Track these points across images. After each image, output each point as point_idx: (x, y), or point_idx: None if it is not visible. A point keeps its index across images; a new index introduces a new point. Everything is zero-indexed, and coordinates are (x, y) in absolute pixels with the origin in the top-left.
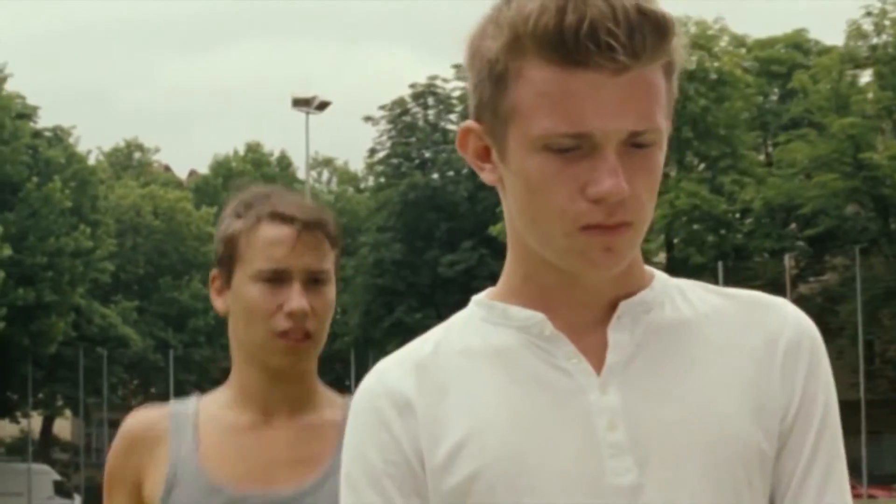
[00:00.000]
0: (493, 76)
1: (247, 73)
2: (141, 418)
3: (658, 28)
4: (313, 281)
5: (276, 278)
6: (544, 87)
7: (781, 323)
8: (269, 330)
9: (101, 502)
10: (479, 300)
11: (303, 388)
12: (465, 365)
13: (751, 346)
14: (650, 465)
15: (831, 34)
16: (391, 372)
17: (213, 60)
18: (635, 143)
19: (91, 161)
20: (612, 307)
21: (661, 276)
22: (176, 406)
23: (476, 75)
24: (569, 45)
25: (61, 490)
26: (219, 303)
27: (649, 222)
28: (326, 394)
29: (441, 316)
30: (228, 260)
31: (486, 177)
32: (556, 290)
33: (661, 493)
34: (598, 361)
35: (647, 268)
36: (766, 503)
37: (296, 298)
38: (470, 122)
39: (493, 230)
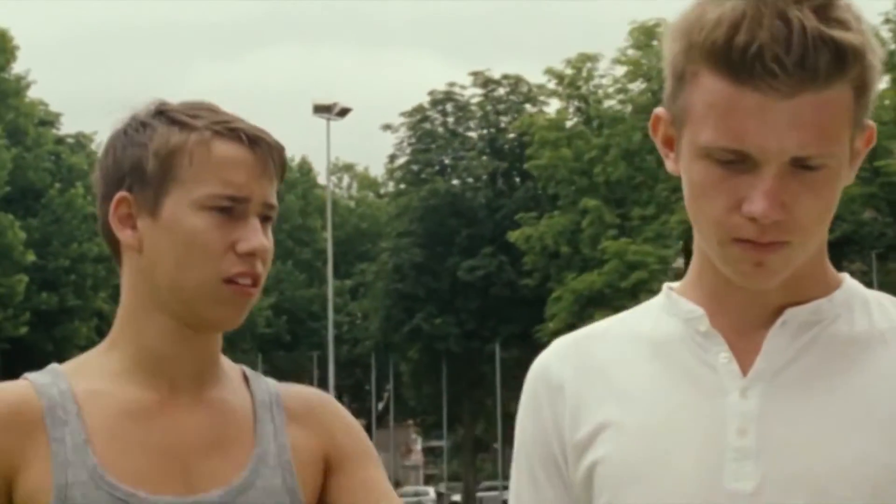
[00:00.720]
0: (675, 74)
1: (270, 78)
2: (4, 395)
3: (836, 56)
4: (265, 218)
5: (230, 209)
6: (713, 98)
7: None
8: (216, 272)
9: None
10: (666, 288)
11: (216, 353)
12: (625, 349)
13: None
14: (771, 475)
15: None
16: (551, 354)
17: (239, 66)
18: (803, 165)
19: None
20: (779, 313)
21: (849, 287)
22: (36, 378)
23: (666, 67)
24: (735, 63)
25: None
26: (127, 235)
27: (818, 239)
28: (225, 362)
29: (461, 322)
30: (159, 179)
31: (670, 166)
32: (721, 289)
33: (780, 502)
34: (750, 364)
35: (842, 276)
36: None
37: (256, 235)
38: (660, 109)
39: (512, 236)
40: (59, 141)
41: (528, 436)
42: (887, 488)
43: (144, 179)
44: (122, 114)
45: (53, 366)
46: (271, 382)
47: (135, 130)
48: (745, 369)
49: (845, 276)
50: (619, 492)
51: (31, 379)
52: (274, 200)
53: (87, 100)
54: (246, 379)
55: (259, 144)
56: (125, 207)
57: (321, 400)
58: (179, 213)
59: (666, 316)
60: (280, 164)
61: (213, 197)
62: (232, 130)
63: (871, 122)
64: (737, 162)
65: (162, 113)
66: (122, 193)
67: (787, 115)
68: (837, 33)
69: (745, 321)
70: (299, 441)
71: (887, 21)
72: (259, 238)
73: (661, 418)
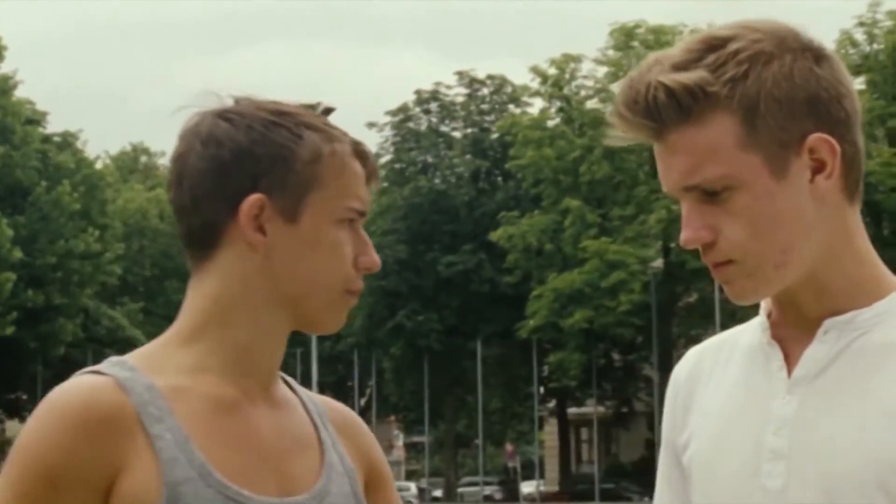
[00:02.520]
0: None
1: (256, 76)
2: (96, 393)
3: (670, 97)
4: None
5: (353, 221)
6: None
7: None
8: (344, 283)
9: None
10: (763, 303)
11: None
12: (729, 355)
13: None
14: (796, 474)
15: (826, 43)
16: (684, 358)
17: (226, 64)
18: (706, 192)
19: (98, 165)
20: (821, 323)
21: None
22: (116, 373)
23: None
24: (616, 123)
25: None
26: (257, 238)
27: (773, 253)
28: None
29: (443, 319)
30: (304, 186)
31: None
32: (778, 305)
33: (801, 501)
34: None
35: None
36: None
37: (374, 252)
38: None
39: (494, 235)
40: (46, 139)
41: (664, 435)
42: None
43: (285, 184)
44: (202, 100)
45: (121, 359)
46: (303, 388)
47: (265, 128)
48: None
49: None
50: (695, 490)
51: (111, 374)
52: None
53: (73, 98)
54: (285, 381)
55: (372, 163)
56: (257, 209)
57: (354, 416)
58: (320, 223)
59: (758, 328)
60: (374, 181)
61: (350, 210)
62: (358, 147)
63: (818, 135)
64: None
65: (289, 115)
66: (258, 196)
67: (668, 155)
68: (673, 77)
69: (797, 332)
70: (348, 453)
71: (861, 24)
72: (377, 258)
73: (726, 423)
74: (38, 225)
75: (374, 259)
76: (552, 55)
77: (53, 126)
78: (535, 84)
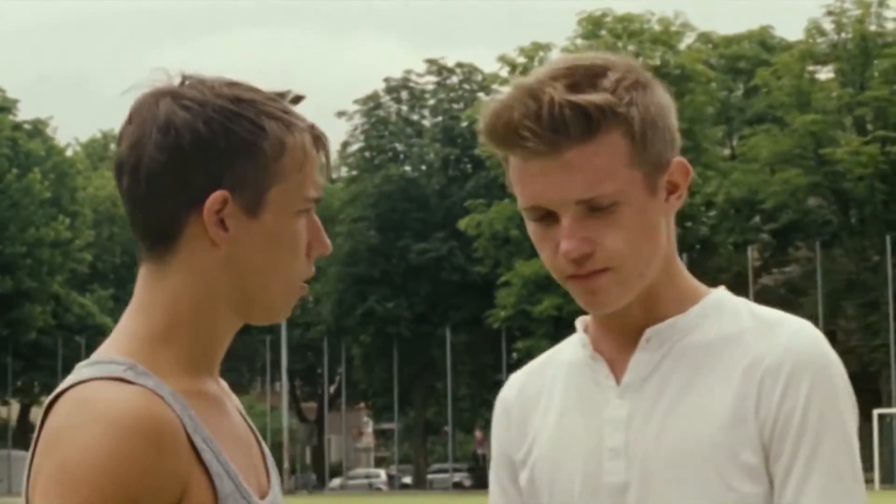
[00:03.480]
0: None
1: (227, 63)
2: (155, 407)
3: (583, 115)
4: None
5: (309, 210)
6: (514, 171)
7: (771, 346)
8: (300, 274)
9: None
10: (578, 322)
11: None
12: (553, 374)
13: (742, 366)
14: (638, 467)
15: (796, 31)
16: (511, 380)
17: (197, 51)
18: (593, 206)
19: (69, 153)
20: (643, 332)
21: (710, 301)
22: (145, 381)
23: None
24: (501, 141)
25: None
26: (221, 235)
27: (645, 264)
28: None
29: (412, 306)
30: (267, 181)
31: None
32: (599, 318)
33: (642, 492)
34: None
35: (709, 291)
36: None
37: (327, 239)
38: None
39: (462, 224)
40: (17, 127)
41: (495, 452)
42: (721, 464)
43: (246, 179)
44: (154, 82)
45: (125, 360)
46: None
47: (226, 119)
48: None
49: (712, 292)
50: (538, 497)
51: (139, 383)
52: None
53: (44, 86)
54: None
55: (327, 145)
56: (219, 205)
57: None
58: (281, 217)
59: (578, 345)
60: (329, 162)
61: (309, 200)
62: (313, 129)
63: (679, 160)
64: (546, 217)
65: (247, 101)
66: (222, 192)
67: (559, 171)
68: (581, 97)
69: (620, 343)
70: None
71: (829, 13)
72: (328, 242)
73: (563, 433)
74: (9, 212)
75: (326, 243)
76: (521, 44)
77: (24, 114)
78: (504, 73)
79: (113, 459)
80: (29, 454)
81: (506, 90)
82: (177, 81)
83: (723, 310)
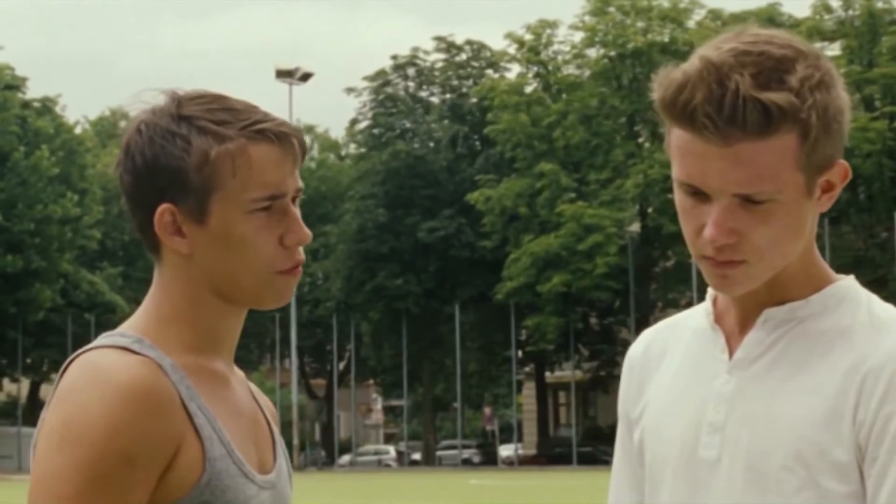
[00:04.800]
0: (662, 119)
1: (238, 40)
2: (152, 374)
3: (764, 113)
4: (293, 199)
5: (270, 206)
6: (677, 142)
7: (876, 348)
8: (269, 268)
9: None
10: (709, 290)
11: None
12: (679, 337)
13: (847, 364)
14: (731, 446)
15: (803, 8)
16: (641, 337)
17: (207, 28)
18: (748, 200)
19: (78, 130)
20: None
21: (832, 290)
22: (148, 352)
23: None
24: (678, 116)
25: None
26: (176, 242)
27: (780, 257)
28: None
29: (421, 283)
30: (203, 191)
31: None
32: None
33: (731, 472)
34: None
35: (835, 280)
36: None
37: (300, 227)
38: None
39: (471, 197)
40: (26, 105)
41: (619, 407)
42: (810, 459)
43: (187, 191)
44: (129, 103)
45: (134, 335)
46: None
47: (164, 139)
48: None
49: (838, 281)
50: (644, 459)
51: (144, 353)
52: (301, 183)
53: (53, 64)
54: None
55: (286, 139)
56: (168, 216)
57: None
58: (228, 220)
59: (703, 314)
60: (302, 150)
61: (256, 201)
62: (261, 132)
63: (842, 162)
64: (698, 194)
65: (185, 119)
66: (164, 206)
67: (725, 160)
68: (766, 95)
69: (741, 319)
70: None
71: None
72: (303, 230)
73: (672, 399)
74: (17, 190)
75: (300, 234)
76: (529, 21)
77: (33, 92)
78: (511, 50)
79: (109, 419)
80: (42, 414)
81: (692, 61)
82: (158, 101)
83: (843, 301)
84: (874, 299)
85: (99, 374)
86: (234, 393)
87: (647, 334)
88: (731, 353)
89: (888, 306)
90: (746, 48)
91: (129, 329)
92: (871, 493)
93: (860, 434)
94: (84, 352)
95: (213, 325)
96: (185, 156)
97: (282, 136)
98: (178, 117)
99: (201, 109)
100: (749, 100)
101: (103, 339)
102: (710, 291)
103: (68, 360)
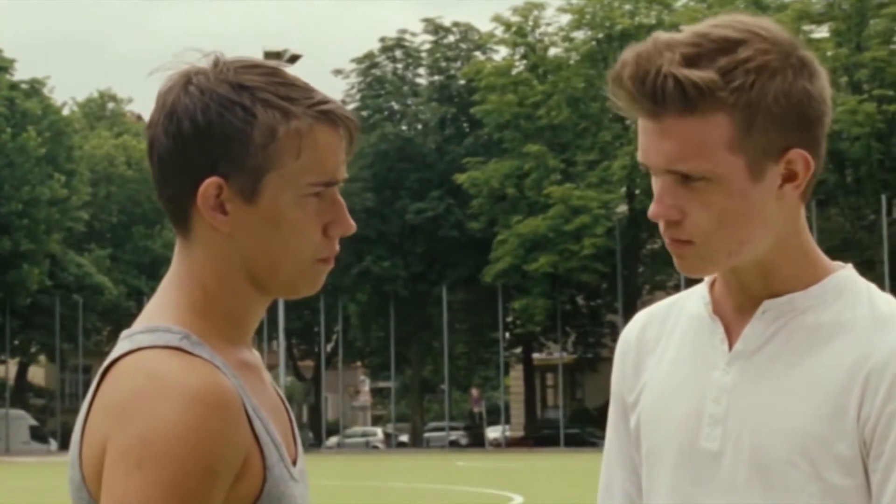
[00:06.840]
0: None
1: (228, 23)
2: (222, 379)
3: (680, 91)
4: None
5: (321, 192)
6: (639, 122)
7: (880, 344)
8: (312, 254)
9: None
10: (707, 277)
11: None
12: (674, 322)
13: (850, 358)
14: (733, 439)
15: None
16: (635, 319)
17: (201, 10)
18: (684, 176)
19: (66, 112)
20: (761, 302)
21: (832, 282)
22: (201, 352)
23: None
24: (614, 93)
25: (37, 435)
26: (219, 219)
27: (731, 243)
28: None
29: (409, 265)
30: (261, 168)
31: None
32: (723, 279)
33: (734, 465)
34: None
35: (835, 271)
36: (864, 499)
37: (347, 219)
38: None
39: (459, 178)
40: (14, 86)
41: (613, 388)
42: (814, 454)
43: (242, 167)
44: (174, 66)
45: (180, 329)
46: None
47: (222, 107)
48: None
49: (837, 272)
50: (641, 447)
51: (197, 354)
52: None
53: (41, 46)
54: None
55: (347, 126)
56: (214, 189)
57: None
58: (280, 202)
59: (700, 301)
60: (353, 138)
61: (313, 185)
62: (326, 114)
63: (800, 151)
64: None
65: (246, 89)
66: (213, 178)
67: (658, 135)
68: (685, 72)
69: (740, 309)
70: None
71: None
72: (349, 221)
73: (670, 387)
74: (5, 172)
75: (346, 225)
76: (517, 3)
77: (22, 73)
78: (499, 32)
79: (195, 432)
80: (81, 419)
81: (647, 40)
82: (203, 62)
83: (842, 293)
84: (874, 290)
85: (166, 382)
86: (266, 385)
87: (642, 316)
88: (730, 345)
89: (889, 298)
90: (707, 30)
91: (167, 321)
92: (877, 488)
93: (865, 430)
94: (127, 354)
95: (244, 313)
96: (247, 128)
97: (345, 121)
98: (238, 86)
99: (263, 81)
100: (668, 76)
101: (148, 336)
102: (707, 277)
103: (109, 361)
